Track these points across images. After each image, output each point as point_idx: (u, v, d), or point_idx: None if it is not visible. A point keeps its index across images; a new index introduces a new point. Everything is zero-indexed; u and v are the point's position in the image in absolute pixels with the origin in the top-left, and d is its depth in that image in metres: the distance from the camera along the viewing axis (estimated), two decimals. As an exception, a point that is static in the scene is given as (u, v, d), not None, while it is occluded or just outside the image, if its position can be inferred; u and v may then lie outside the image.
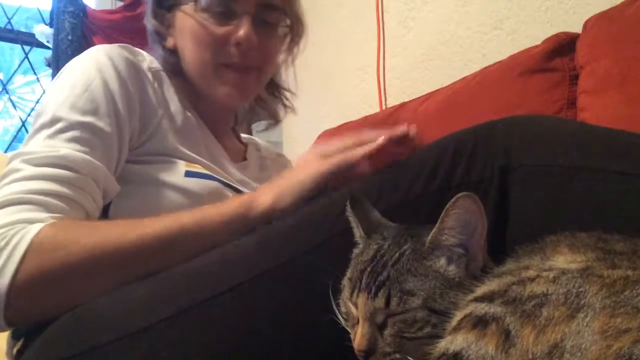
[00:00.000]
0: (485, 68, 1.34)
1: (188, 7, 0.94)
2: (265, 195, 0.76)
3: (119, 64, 0.86)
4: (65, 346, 0.64)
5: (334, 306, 0.59)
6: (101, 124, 0.81)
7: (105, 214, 0.83)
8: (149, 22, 1.00)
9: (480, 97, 1.28)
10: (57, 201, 0.73)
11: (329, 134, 1.74)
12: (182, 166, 0.87)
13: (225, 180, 0.92)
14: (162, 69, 0.96)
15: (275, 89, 1.16)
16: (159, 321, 0.62)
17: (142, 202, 0.84)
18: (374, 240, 0.57)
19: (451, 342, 0.44)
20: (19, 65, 2.82)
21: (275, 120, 1.21)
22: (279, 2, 0.98)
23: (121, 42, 0.92)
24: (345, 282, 0.58)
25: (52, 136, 0.77)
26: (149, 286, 0.67)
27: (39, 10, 2.80)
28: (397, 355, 0.51)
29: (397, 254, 0.54)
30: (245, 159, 1.14)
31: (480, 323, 0.43)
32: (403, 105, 1.53)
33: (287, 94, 1.18)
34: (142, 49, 0.98)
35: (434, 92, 1.46)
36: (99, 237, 0.70)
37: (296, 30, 1.05)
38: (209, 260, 0.68)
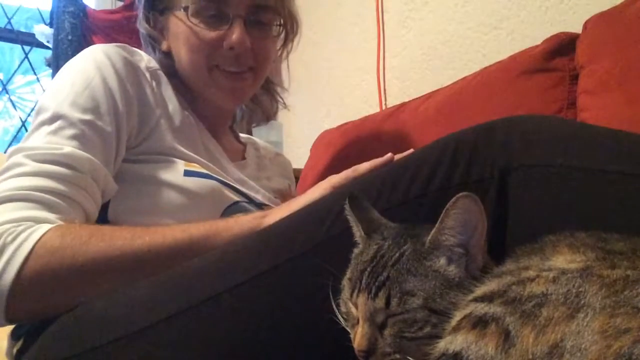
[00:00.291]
0: (485, 68, 1.33)
1: (180, 13, 0.94)
2: (276, 215, 0.76)
3: (117, 62, 0.87)
4: (65, 346, 0.64)
5: (334, 306, 0.59)
6: (101, 122, 0.81)
7: (104, 213, 0.83)
8: (141, 26, 1.01)
9: (480, 97, 1.28)
10: (59, 200, 0.73)
11: (329, 134, 1.74)
12: (181, 165, 0.87)
13: (224, 180, 0.92)
14: (160, 68, 0.96)
15: (269, 86, 1.16)
16: (159, 321, 0.62)
17: (141, 202, 0.84)
18: (374, 241, 0.57)
19: (451, 342, 0.44)
20: (19, 65, 2.81)
21: (268, 118, 1.21)
22: (271, 1, 0.98)
23: (121, 42, 0.92)
24: (345, 282, 0.57)
25: (53, 133, 0.78)
26: (149, 286, 0.67)
27: (39, 10, 2.80)
28: (397, 356, 0.51)
29: (397, 254, 0.54)
30: (244, 158, 1.14)
31: (480, 323, 0.43)
32: (403, 105, 1.53)
33: (282, 92, 1.19)
34: (140, 48, 0.98)
35: (434, 92, 1.46)
36: (105, 243, 0.70)
37: (290, 27, 1.05)
38: (209, 260, 0.68)
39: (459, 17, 1.60)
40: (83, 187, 0.76)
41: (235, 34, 0.92)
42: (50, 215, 0.72)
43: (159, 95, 0.93)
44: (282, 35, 1.05)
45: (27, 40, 2.72)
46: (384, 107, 1.83)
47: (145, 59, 0.94)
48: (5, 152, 0.82)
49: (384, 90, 1.86)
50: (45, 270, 0.67)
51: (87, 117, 0.80)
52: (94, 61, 0.86)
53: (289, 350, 0.62)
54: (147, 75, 0.92)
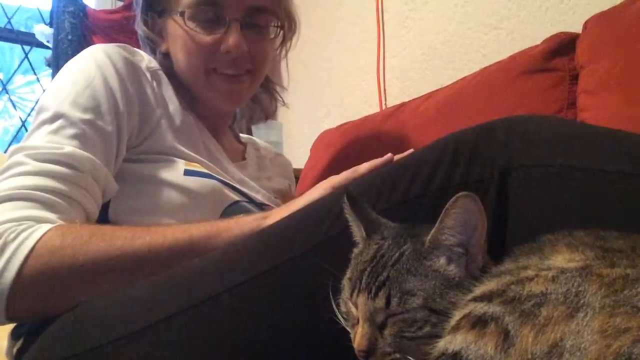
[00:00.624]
0: (485, 68, 1.33)
1: (177, 17, 0.94)
2: (277, 217, 0.76)
3: (117, 62, 0.87)
4: (65, 346, 0.65)
5: (334, 306, 0.59)
6: (102, 122, 0.81)
7: (105, 212, 0.83)
8: (139, 29, 1.01)
9: (480, 97, 1.28)
10: (60, 199, 0.74)
11: (328, 134, 1.74)
12: (181, 165, 0.87)
13: (224, 179, 0.92)
14: (160, 69, 0.97)
15: (268, 85, 1.16)
16: (159, 321, 0.62)
17: (142, 201, 0.84)
18: (374, 240, 0.57)
19: (450, 342, 0.44)
20: (19, 65, 2.81)
21: (267, 117, 1.21)
22: (268, 3, 0.97)
23: (121, 42, 0.92)
24: (345, 282, 0.58)
25: (54, 132, 0.78)
26: (149, 286, 0.68)
27: (39, 10, 2.80)
28: (397, 355, 0.51)
29: (397, 254, 0.54)
30: (244, 158, 1.14)
31: (479, 323, 0.43)
32: (403, 105, 1.53)
33: (281, 91, 1.19)
34: (140, 49, 0.98)
35: (434, 92, 1.46)
36: (105, 242, 0.70)
37: (288, 27, 1.05)
38: (209, 260, 0.68)
39: (459, 17, 1.60)
40: (84, 187, 0.77)
41: (232, 38, 0.92)
42: (51, 215, 0.72)
43: (160, 95, 0.93)
44: (280, 37, 1.05)
45: (27, 40, 2.71)
46: (384, 107, 1.83)
47: (146, 59, 0.95)
48: (5, 152, 0.82)
49: (384, 90, 1.86)
50: (45, 270, 0.67)
51: (88, 116, 0.80)
52: (95, 61, 0.86)
53: (289, 350, 0.62)
54: (148, 75, 0.92)
